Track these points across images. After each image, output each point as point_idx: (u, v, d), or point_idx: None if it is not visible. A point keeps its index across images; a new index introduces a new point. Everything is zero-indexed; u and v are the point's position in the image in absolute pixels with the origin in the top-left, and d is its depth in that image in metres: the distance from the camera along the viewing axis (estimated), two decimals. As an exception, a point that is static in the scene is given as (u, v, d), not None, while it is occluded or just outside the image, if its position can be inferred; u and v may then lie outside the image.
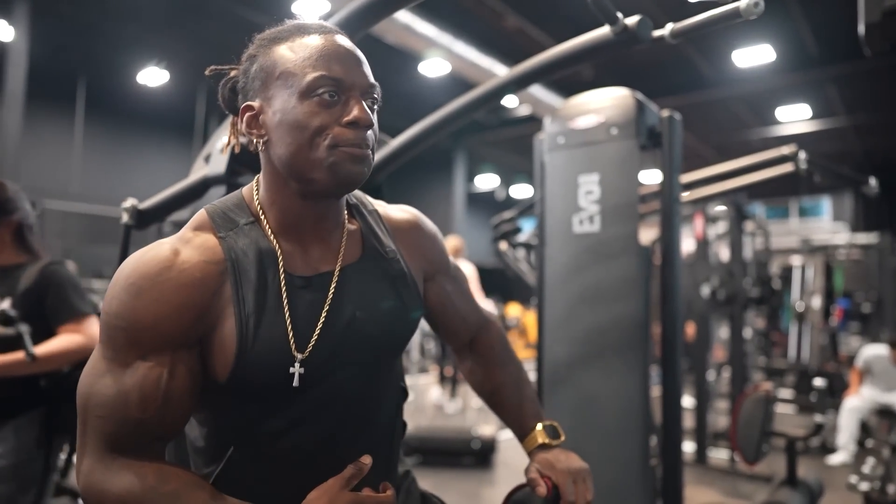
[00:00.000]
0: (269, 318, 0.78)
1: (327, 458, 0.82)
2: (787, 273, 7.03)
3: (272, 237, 0.82)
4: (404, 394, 0.99)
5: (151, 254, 0.77)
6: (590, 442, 1.96)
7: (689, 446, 4.48)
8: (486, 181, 18.98)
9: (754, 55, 8.72)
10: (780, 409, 5.97)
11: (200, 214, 0.84)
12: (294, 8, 7.90)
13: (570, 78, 9.42)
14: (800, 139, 12.38)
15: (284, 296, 0.80)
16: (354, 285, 0.86)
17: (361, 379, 0.86)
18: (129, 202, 1.62)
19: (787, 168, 2.58)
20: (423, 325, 1.06)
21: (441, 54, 8.70)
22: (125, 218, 1.62)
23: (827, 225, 15.32)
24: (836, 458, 4.52)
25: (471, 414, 6.19)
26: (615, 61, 9.50)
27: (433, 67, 9.78)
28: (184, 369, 0.76)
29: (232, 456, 0.80)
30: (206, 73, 0.92)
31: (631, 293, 1.93)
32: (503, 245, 2.77)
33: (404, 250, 0.95)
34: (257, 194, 0.85)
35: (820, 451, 4.76)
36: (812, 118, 11.89)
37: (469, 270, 5.62)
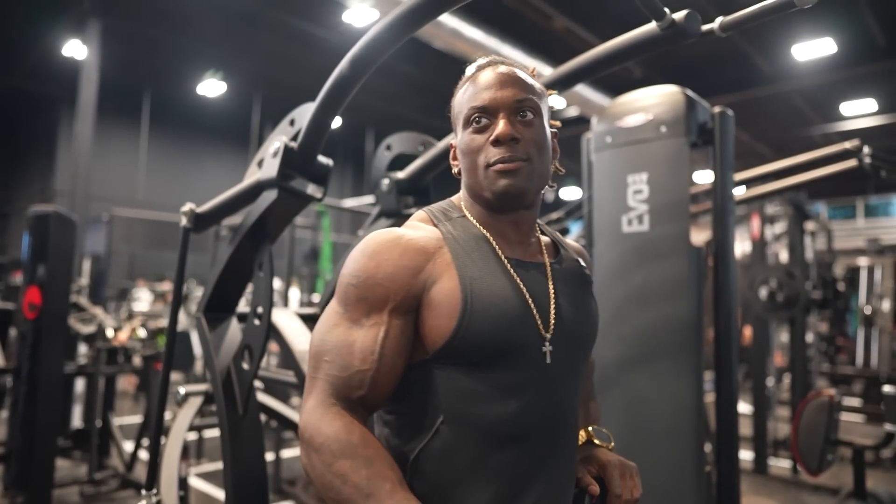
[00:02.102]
0: (499, 285, 0.86)
1: (532, 443, 0.85)
2: (853, 275, 6.69)
3: (480, 227, 0.93)
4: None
5: (386, 231, 0.90)
6: (640, 445, 1.92)
7: (747, 454, 4.32)
8: (535, 184, 18.81)
9: (814, 48, 8.36)
10: (847, 417, 5.67)
11: (420, 213, 0.96)
12: (345, 17, 8.07)
13: (619, 78, 9.26)
14: (865, 134, 11.76)
15: (513, 272, 0.89)
16: (561, 280, 0.94)
17: (570, 369, 0.91)
18: (188, 206, 1.70)
19: (849, 164, 2.46)
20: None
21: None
22: (184, 221, 1.69)
23: (897, 224, 14.49)
24: (908, 471, 4.27)
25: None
26: (666, 59, 9.27)
27: (480, 71, 9.77)
28: (397, 332, 0.84)
29: (440, 428, 0.83)
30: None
31: (682, 294, 1.89)
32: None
33: None
34: (463, 202, 0.97)
35: (891, 462, 4.50)
36: (878, 112, 11.29)
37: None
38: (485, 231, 0.92)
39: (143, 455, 3.95)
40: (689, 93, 1.96)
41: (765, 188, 2.73)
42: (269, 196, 1.49)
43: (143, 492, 1.58)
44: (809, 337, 4.84)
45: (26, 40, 10.03)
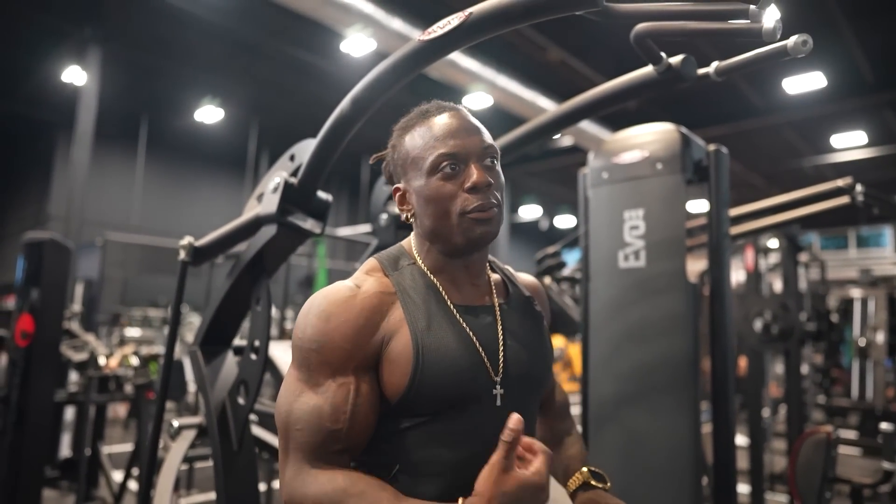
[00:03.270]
0: (448, 337, 0.88)
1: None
2: (846, 306, 6.72)
3: (430, 274, 0.94)
4: None
5: (336, 289, 0.90)
6: (637, 482, 1.91)
7: (743, 488, 4.28)
8: (530, 211, 18.93)
9: (804, 82, 8.53)
10: (844, 450, 5.64)
11: (371, 261, 0.97)
12: (342, 47, 8.18)
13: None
14: (856, 166, 11.94)
15: (460, 319, 0.90)
16: (510, 321, 0.96)
17: (522, 408, 0.90)
18: (186, 240, 1.70)
19: (842, 201, 2.50)
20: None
21: (484, 88, 8.82)
22: (182, 255, 1.69)
23: (889, 255, 14.59)
24: (907, 506, 4.23)
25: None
26: (661, 91, 9.44)
27: (477, 101, 9.91)
28: (366, 387, 0.86)
29: (397, 476, 0.86)
30: (370, 161, 1.06)
31: (679, 329, 1.89)
32: (547, 279, 2.76)
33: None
34: (414, 247, 0.98)
35: (889, 498, 4.47)
36: (868, 145, 11.46)
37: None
38: (434, 278, 0.93)
39: (133, 486, 3.88)
40: (685, 130, 2.00)
41: (759, 223, 2.76)
42: (269, 231, 1.50)
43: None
44: (804, 369, 4.84)
45: (26, 66, 10.12)
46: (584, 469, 1.02)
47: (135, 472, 3.73)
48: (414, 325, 0.87)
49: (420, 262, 0.95)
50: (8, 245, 13.91)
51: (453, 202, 0.89)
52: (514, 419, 0.76)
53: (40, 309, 3.13)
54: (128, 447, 4.70)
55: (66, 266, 3.29)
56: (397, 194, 0.96)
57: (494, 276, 1.01)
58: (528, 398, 0.95)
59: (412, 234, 0.99)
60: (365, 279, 0.92)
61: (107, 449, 4.19)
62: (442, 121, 0.92)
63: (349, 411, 0.83)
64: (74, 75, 9.51)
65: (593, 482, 1.00)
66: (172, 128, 12.68)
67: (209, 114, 11.53)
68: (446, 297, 0.92)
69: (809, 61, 7.93)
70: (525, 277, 1.10)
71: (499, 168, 0.95)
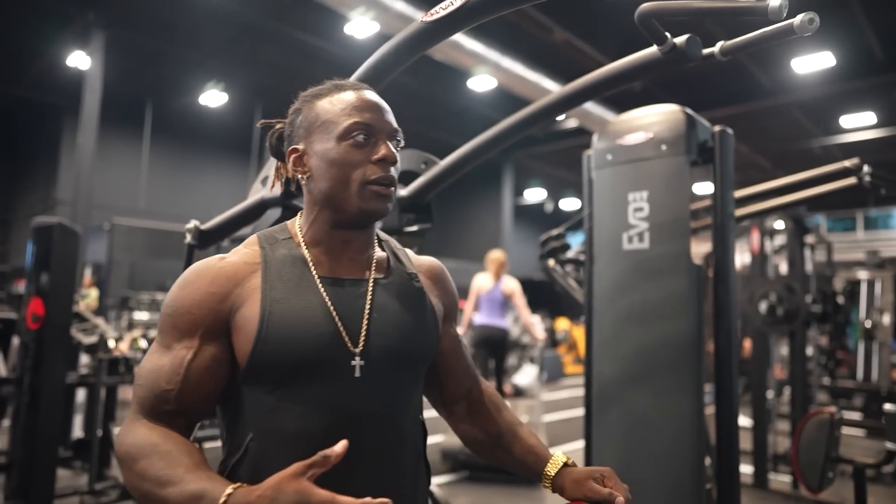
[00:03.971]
0: (303, 305, 0.89)
1: (348, 455, 0.83)
2: (853, 288, 6.70)
3: (304, 248, 0.95)
4: (424, 430, 1.00)
5: (203, 260, 0.94)
6: (641, 463, 1.93)
7: (747, 469, 4.32)
8: (534, 194, 18.87)
9: (813, 62, 8.42)
10: (848, 431, 5.67)
11: (252, 236, 0.98)
12: (346, 30, 8.12)
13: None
14: (864, 147, 11.82)
15: (322, 290, 0.91)
16: (384, 296, 0.96)
17: (393, 382, 0.92)
18: (192, 223, 1.72)
19: (849, 181, 2.48)
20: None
21: (489, 70, 8.75)
22: (188, 238, 1.71)
23: (897, 237, 14.49)
24: (909, 486, 4.26)
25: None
26: (665, 72, 9.34)
27: (482, 83, 9.84)
28: (207, 354, 0.88)
29: (250, 445, 0.87)
30: (258, 125, 1.06)
31: (682, 311, 1.90)
32: (551, 262, 2.76)
33: (427, 285, 1.05)
34: (298, 222, 0.99)
35: (892, 478, 4.49)
36: (877, 126, 11.33)
37: (514, 285, 5.60)
38: (307, 252, 0.95)
39: (143, 466, 3.95)
40: (690, 111, 1.99)
41: (764, 204, 2.75)
42: (274, 214, 1.51)
43: None
44: (809, 350, 4.85)
45: (31, 50, 10.09)
46: (559, 454, 1.00)
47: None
48: (267, 294, 0.89)
49: (300, 235, 0.96)
50: (18, 229, 14.01)
51: (356, 170, 0.91)
52: (341, 445, 0.73)
53: (50, 292, 3.16)
54: (138, 428, 4.76)
55: (75, 250, 3.32)
56: (293, 156, 0.96)
57: (380, 254, 1.01)
58: (398, 374, 0.94)
59: (306, 200, 0.99)
60: (237, 252, 0.95)
61: (118, 430, 4.27)
62: (360, 94, 0.95)
63: (182, 374, 0.87)
64: (79, 60, 9.50)
65: (568, 461, 0.99)
66: (177, 112, 12.67)
67: (213, 97, 11.51)
68: (313, 270, 0.93)
69: (818, 40, 7.82)
70: (425, 260, 1.10)
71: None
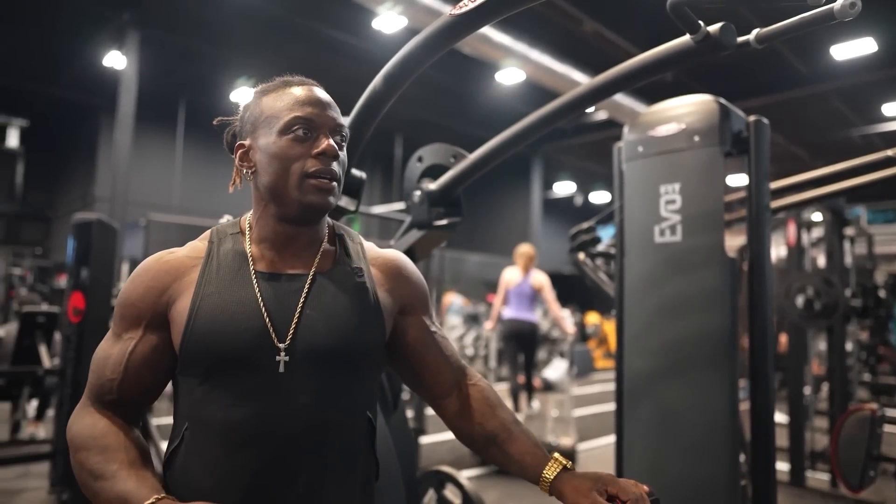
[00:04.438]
0: (232, 300, 0.91)
1: (277, 447, 0.88)
2: (895, 282, 6.48)
3: (248, 244, 0.97)
4: (371, 426, 0.98)
5: (155, 254, 0.98)
6: (673, 459, 1.91)
7: (783, 466, 4.23)
8: (564, 188, 18.70)
9: (854, 48, 8.14)
10: (890, 429, 5.50)
11: (208, 231, 1.01)
12: (374, 25, 8.15)
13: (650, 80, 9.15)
14: (909, 136, 11.40)
15: (256, 285, 0.93)
16: (322, 292, 0.96)
17: (321, 378, 0.91)
18: (225, 218, 1.74)
19: (891, 171, 2.40)
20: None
21: (517, 63, 8.69)
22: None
23: (943, 229, 13.94)
24: (955, 486, 4.11)
25: (548, 423, 6.10)
26: (699, 61, 9.12)
27: (510, 76, 9.78)
28: (147, 346, 0.93)
29: (185, 434, 0.90)
30: (214, 123, 1.09)
31: (716, 305, 1.87)
32: (581, 255, 2.74)
33: (379, 279, 1.03)
34: (248, 217, 1.01)
35: (936, 477, 4.34)
36: (923, 113, 10.91)
37: (543, 279, 5.57)
38: (249, 247, 0.96)
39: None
40: (723, 101, 1.94)
41: (801, 196, 2.68)
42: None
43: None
44: (849, 346, 4.71)
45: (68, 52, 10.39)
46: (556, 455, 0.95)
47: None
48: (200, 288, 0.92)
49: (247, 231, 0.98)
50: (59, 226, 14.47)
51: (297, 163, 0.92)
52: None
53: (90, 287, 3.27)
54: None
55: (113, 245, 3.41)
56: (240, 151, 0.98)
57: (328, 248, 1.01)
58: (328, 369, 0.92)
59: (254, 196, 1.00)
60: (187, 246, 0.99)
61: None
62: (303, 90, 0.96)
63: (124, 364, 0.91)
64: (115, 60, 9.73)
65: (568, 464, 0.94)
66: (209, 109, 12.84)
67: (244, 95, 11.67)
68: (251, 265, 0.94)
69: (859, 25, 7.56)
70: (383, 253, 1.07)
71: (345, 152, 0.98)
